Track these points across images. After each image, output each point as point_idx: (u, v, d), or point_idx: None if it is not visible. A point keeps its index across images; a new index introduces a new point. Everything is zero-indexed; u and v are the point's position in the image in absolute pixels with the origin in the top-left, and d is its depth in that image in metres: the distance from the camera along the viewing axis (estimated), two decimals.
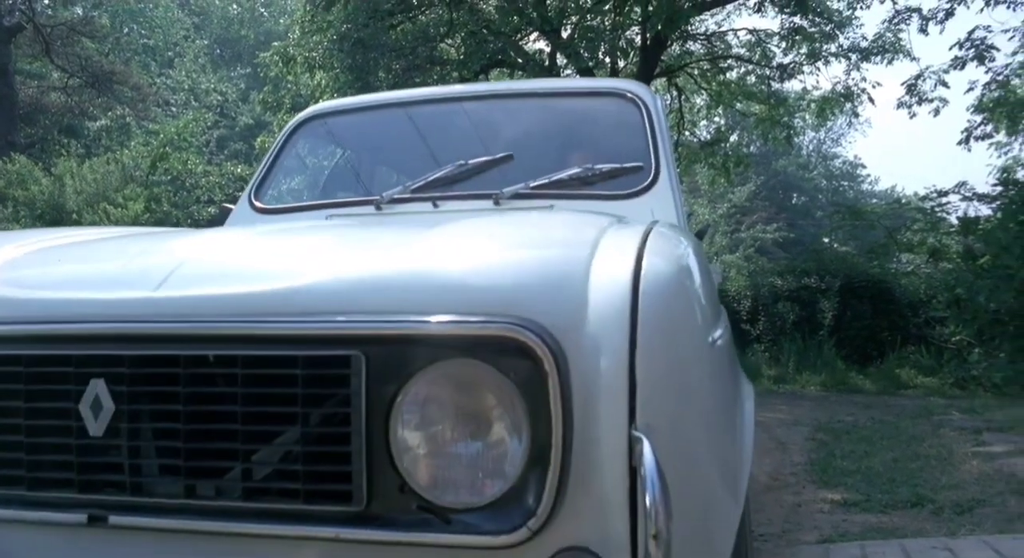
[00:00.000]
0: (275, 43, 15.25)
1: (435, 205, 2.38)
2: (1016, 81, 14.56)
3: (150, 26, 28.85)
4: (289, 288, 1.14)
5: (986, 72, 13.00)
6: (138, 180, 16.81)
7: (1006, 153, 16.93)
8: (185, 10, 31.94)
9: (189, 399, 1.11)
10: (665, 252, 1.19)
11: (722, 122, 18.88)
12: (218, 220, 2.94)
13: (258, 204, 2.74)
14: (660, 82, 14.44)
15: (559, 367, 1.00)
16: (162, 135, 18.77)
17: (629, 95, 2.66)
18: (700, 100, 16.26)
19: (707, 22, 14.13)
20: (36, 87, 21.96)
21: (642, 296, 1.07)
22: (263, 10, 35.22)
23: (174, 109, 25.93)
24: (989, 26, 13.00)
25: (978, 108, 14.02)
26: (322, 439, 1.08)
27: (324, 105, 3.16)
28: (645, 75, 11.81)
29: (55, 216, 14.65)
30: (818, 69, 13.64)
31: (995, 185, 11.18)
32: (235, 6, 34.96)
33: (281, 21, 31.28)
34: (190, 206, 17.78)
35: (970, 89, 13.87)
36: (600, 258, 1.14)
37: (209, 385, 1.11)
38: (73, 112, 22.29)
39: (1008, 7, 11.03)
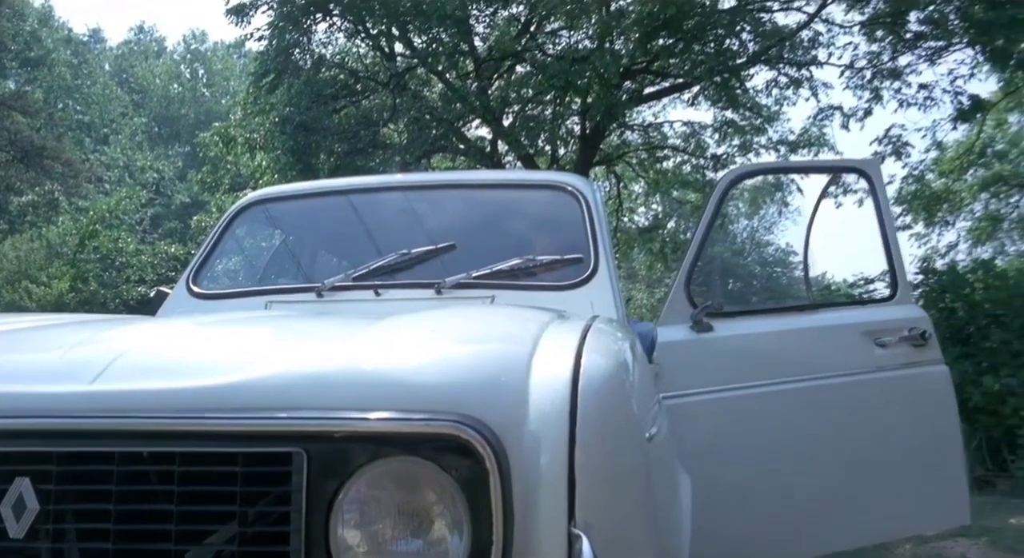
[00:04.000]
0: (216, 123, 15.28)
1: (377, 294, 2.38)
2: (930, 176, 15.39)
3: (86, 102, 28.67)
4: (229, 383, 1.13)
5: (903, 167, 13.72)
6: (64, 258, 16.41)
7: (925, 243, 17.79)
8: (124, 87, 31.89)
9: (122, 498, 1.08)
10: (603, 349, 1.23)
11: (660, 209, 19.36)
12: (153, 303, 2.88)
13: (196, 289, 2.71)
14: (599, 170, 14.81)
15: (500, 465, 1.01)
16: (92, 212, 18.44)
17: (569, 188, 2.73)
18: (638, 187, 16.69)
19: (644, 113, 14.62)
20: None
21: (581, 393, 1.10)
22: (205, 90, 35.37)
23: (107, 186, 25.52)
24: (904, 125, 13.79)
25: (897, 200, 14.72)
26: (260, 538, 1.06)
27: (266, 191, 3.17)
28: (584, 163, 12.09)
29: None
30: (749, 160, 14.17)
31: (916, 274, 11.64)
32: (176, 85, 35.04)
33: (223, 101, 31.39)
34: (119, 286, 17.36)
35: (889, 182, 14.61)
36: (540, 355, 1.16)
37: (143, 483, 1.09)
38: None
39: (919, 109, 11.75)
